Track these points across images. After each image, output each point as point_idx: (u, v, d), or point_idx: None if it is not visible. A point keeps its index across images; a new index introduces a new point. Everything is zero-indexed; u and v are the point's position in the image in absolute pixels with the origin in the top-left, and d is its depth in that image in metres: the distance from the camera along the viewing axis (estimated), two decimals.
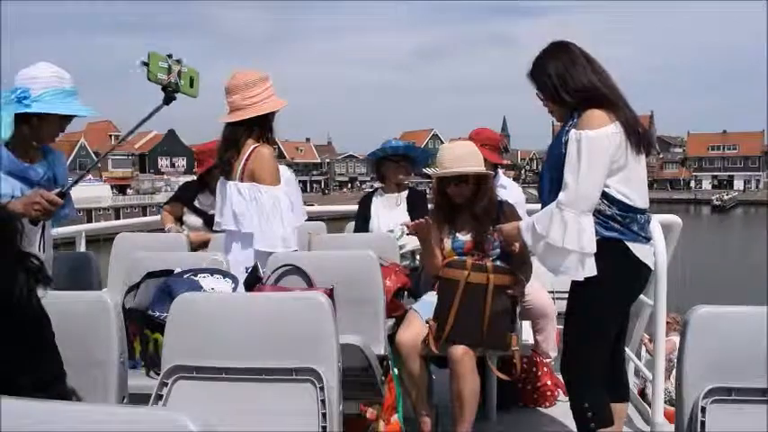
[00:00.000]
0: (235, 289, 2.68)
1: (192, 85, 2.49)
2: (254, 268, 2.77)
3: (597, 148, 2.28)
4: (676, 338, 3.04)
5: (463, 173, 2.94)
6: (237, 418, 1.69)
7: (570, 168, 2.29)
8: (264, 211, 2.87)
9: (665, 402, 3.33)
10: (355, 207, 4.20)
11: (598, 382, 2.43)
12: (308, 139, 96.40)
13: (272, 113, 3.01)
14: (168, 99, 2.43)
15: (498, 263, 2.88)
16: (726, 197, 79.53)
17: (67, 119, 2.48)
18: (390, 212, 3.90)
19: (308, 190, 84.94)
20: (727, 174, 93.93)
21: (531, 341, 3.49)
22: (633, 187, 2.37)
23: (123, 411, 0.97)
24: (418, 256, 3.55)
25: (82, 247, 4.34)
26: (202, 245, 3.92)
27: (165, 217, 4.29)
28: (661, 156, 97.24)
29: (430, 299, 2.93)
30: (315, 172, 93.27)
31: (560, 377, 2.68)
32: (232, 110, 2.96)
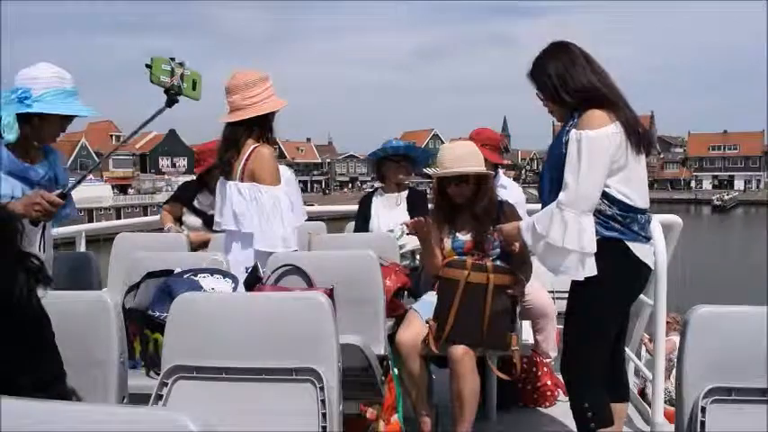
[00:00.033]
0: (235, 289, 2.68)
1: (194, 88, 2.49)
2: (254, 268, 2.77)
3: (597, 148, 2.28)
4: (676, 338, 3.04)
5: (463, 173, 2.94)
6: (238, 418, 1.70)
7: (570, 168, 2.29)
8: (265, 211, 2.87)
9: (665, 402, 3.33)
10: (355, 207, 4.21)
11: (598, 382, 2.43)
12: (308, 139, 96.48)
13: (272, 113, 3.01)
14: (171, 102, 2.44)
15: (498, 263, 2.88)
16: (726, 197, 79.50)
17: (68, 119, 2.49)
18: (390, 212, 3.90)
19: (309, 190, 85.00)
20: (728, 174, 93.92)
21: (531, 341, 3.49)
22: (633, 187, 2.37)
23: (123, 411, 0.98)
24: (418, 256, 3.55)
25: (82, 247, 4.34)
26: (202, 245, 3.92)
27: (165, 217, 4.28)
28: (662, 156, 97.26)
29: (430, 299, 2.93)
30: (315, 172, 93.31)
31: (560, 377, 2.68)
32: (232, 110, 2.96)
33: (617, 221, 2.34)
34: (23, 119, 2.36)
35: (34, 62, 2.45)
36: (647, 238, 2.43)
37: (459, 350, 2.71)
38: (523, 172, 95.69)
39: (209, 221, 3.92)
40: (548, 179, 2.45)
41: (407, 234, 3.23)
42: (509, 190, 3.77)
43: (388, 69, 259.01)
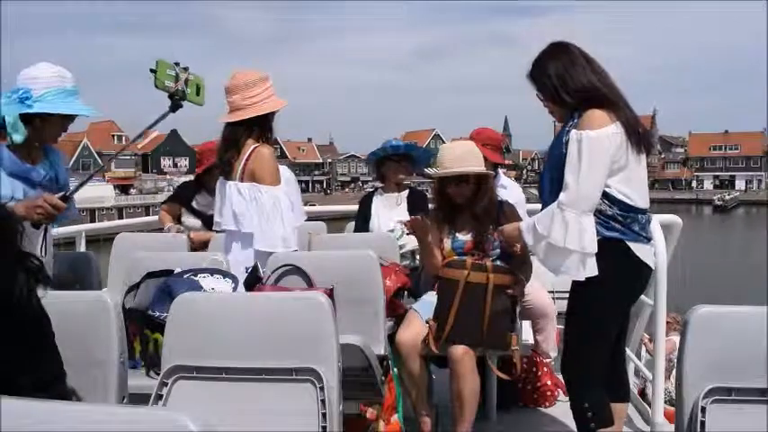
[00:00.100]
0: (235, 289, 2.68)
1: (198, 93, 2.50)
2: (254, 268, 2.77)
3: (598, 148, 2.28)
4: (676, 338, 3.04)
5: (463, 173, 2.94)
6: (238, 418, 1.70)
7: (571, 168, 2.30)
8: (265, 211, 2.87)
9: (665, 402, 3.33)
10: (355, 207, 4.21)
11: (598, 382, 2.43)
12: (310, 139, 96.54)
13: (272, 113, 3.01)
14: (175, 107, 2.45)
15: (498, 263, 2.88)
16: (727, 197, 79.48)
17: (70, 118, 2.48)
18: (390, 212, 3.90)
19: (310, 190, 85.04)
20: (729, 174, 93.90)
21: (531, 341, 3.49)
22: (634, 187, 2.37)
23: (123, 411, 0.98)
24: (418, 256, 3.55)
25: (82, 247, 4.34)
26: (203, 245, 3.92)
27: (163, 217, 4.28)
28: (663, 156, 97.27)
29: (430, 299, 2.93)
30: (317, 172, 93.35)
31: (560, 377, 2.68)
32: (232, 110, 2.97)
33: (618, 222, 2.34)
34: (25, 120, 2.36)
35: (34, 62, 2.44)
36: (648, 239, 2.43)
37: (459, 350, 2.71)
38: (525, 172, 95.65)
39: (207, 222, 3.91)
40: (548, 179, 2.45)
41: (407, 234, 3.23)
42: (509, 190, 3.77)
43: (389, 69, 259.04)
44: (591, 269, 2.30)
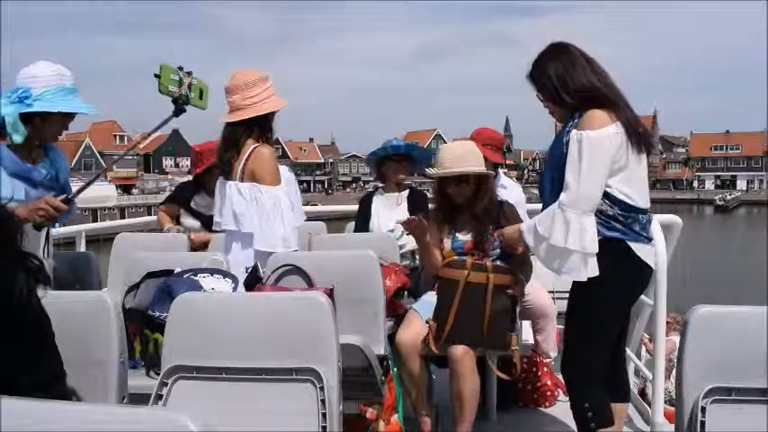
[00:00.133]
0: (235, 289, 2.68)
1: (201, 98, 2.51)
2: (254, 268, 2.77)
3: (598, 148, 2.28)
4: (676, 338, 3.04)
5: (463, 173, 2.94)
6: (238, 418, 1.70)
7: (571, 169, 2.30)
8: (265, 211, 2.87)
9: (665, 402, 3.33)
10: (355, 207, 4.21)
11: (598, 382, 2.43)
12: (311, 140, 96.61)
13: (272, 113, 3.02)
14: (178, 111, 2.46)
15: (498, 263, 2.88)
16: (729, 197, 79.43)
17: (70, 117, 2.48)
18: (391, 212, 3.89)
19: (312, 190, 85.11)
20: (730, 174, 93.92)
21: (531, 341, 3.49)
22: (634, 187, 2.37)
23: (123, 411, 0.98)
24: (418, 256, 3.55)
25: (82, 247, 4.34)
26: (203, 245, 3.92)
27: (162, 217, 4.26)
28: (664, 156, 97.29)
29: (430, 299, 2.93)
30: (318, 172, 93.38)
31: (560, 377, 2.68)
32: (232, 110, 2.97)
33: (618, 222, 2.34)
34: (25, 119, 2.36)
35: (34, 62, 2.45)
36: (649, 239, 2.43)
37: (459, 350, 2.71)
38: (526, 172, 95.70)
39: (206, 223, 3.91)
40: (548, 179, 2.45)
41: (407, 234, 3.23)
42: (509, 190, 3.77)
43: (389, 69, 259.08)
44: (592, 269, 2.30)
